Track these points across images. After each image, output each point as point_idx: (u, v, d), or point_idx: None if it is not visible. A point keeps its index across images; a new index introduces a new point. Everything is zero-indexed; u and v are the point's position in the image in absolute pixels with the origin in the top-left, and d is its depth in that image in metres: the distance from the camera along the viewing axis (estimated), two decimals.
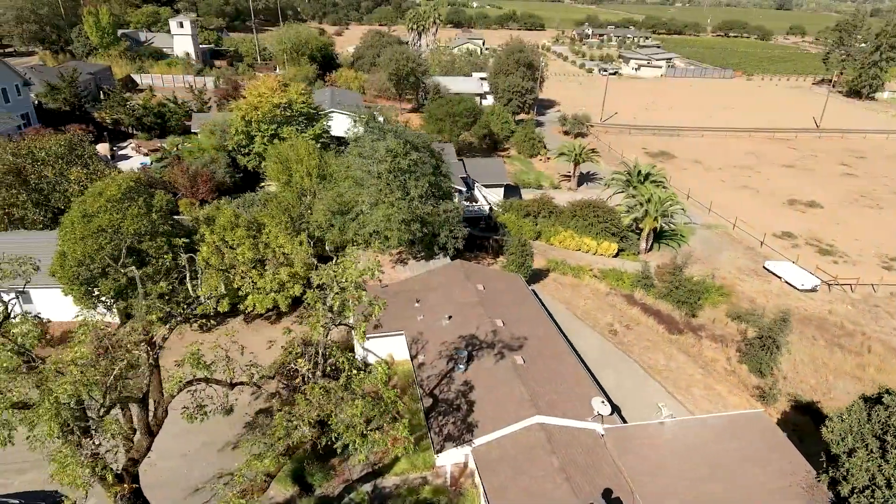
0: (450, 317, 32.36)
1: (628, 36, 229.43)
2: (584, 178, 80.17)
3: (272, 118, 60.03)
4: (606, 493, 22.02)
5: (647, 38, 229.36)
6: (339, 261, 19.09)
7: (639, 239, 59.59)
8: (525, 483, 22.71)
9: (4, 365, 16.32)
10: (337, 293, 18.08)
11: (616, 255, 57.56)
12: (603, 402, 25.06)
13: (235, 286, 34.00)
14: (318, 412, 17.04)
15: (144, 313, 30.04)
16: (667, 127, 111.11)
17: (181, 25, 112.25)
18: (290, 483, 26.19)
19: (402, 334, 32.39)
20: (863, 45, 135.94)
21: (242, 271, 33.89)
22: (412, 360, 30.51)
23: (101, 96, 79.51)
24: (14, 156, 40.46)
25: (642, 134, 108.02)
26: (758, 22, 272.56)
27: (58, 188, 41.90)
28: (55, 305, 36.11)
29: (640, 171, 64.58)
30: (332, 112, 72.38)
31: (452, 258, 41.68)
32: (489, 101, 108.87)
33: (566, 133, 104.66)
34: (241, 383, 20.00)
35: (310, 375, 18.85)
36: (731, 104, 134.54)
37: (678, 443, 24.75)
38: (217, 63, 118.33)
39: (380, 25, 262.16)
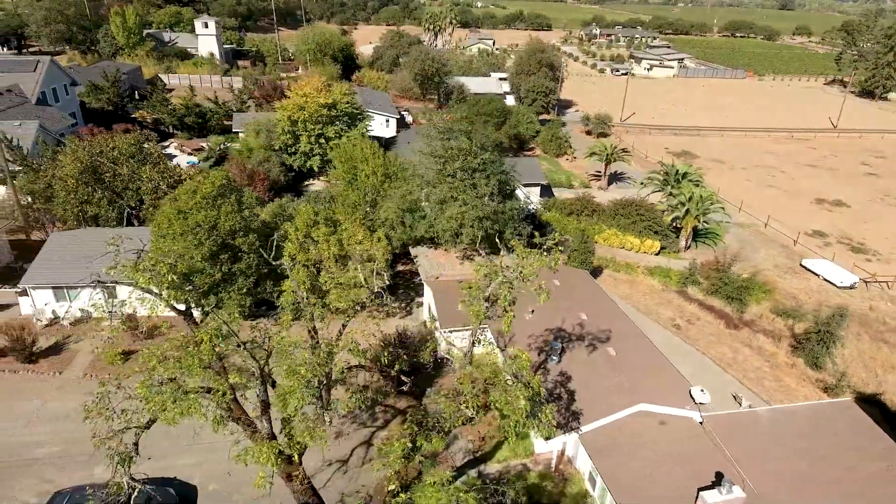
0: (532, 310, 33.51)
1: (636, 36, 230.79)
2: (613, 178, 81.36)
3: (318, 118, 61.16)
4: (718, 476, 23.20)
5: (654, 38, 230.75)
6: (517, 252, 20.17)
7: (678, 237, 60.78)
8: (638, 467, 23.89)
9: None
10: (503, 281, 19.16)
11: (657, 253, 58.78)
12: (702, 390, 26.26)
13: (322, 280, 35.17)
14: (481, 399, 18.22)
15: (238, 307, 31.32)
16: (686, 127, 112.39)
17: (206, 26, 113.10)
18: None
19: (485, 327, 33.47)
20: (876, 45, 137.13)
21: (328, 267, 35.04)
22: (501, 353, 31.63)
23: (136, 96, 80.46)
24: (90, 154, 41.45)
25: (662, 134, 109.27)
26: (763, 22, 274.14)
27: (130, 186, 42.90)
28: (140, 300, 37.08)
29: (677, 171, 65.83)
30: (370, 112, 73.33)
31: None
32: (509, 101, 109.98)
33: (588, 133, 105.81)
34: (389, 368, 21.07)
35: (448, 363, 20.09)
36: (745, 104, 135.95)
37: (774, 430, 25.95)
38: (240, 63, 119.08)
39: (387, 25, 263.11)
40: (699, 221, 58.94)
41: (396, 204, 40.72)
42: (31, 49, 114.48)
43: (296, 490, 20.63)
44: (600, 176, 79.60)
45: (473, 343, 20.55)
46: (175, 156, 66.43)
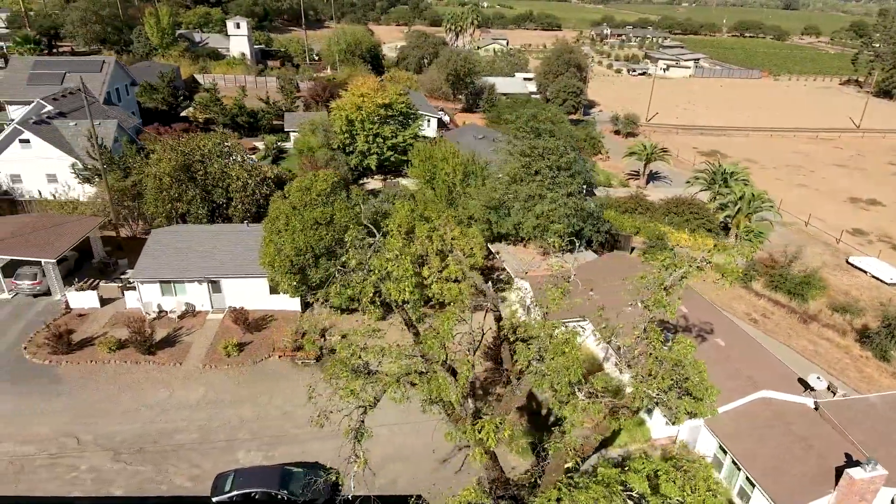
0: (632, 303, 34.84)
1: (647, 36, 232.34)
2: (651, 177, 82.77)
3: (376, 118, 62.46)
4: (848, 458, 24.62)
5: (665, 38, 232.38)
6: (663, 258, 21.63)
7: (727, 235, 62.28)
8: (768, 449, 25.31)
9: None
10: (687, 271, 20.57)
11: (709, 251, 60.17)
12: (819, 377, 27.69)
13: (426, 275, 36.52)
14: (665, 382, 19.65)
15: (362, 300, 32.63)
16: (712, 127, 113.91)
17: (238, 26, 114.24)
18: (530, 453, 28.71)
19: (584, 319, 34.83)
20: (893, 46, 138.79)
21: (431, 262, 36.36)
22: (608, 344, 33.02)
23: (180, 96, 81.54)
24: (183, 153, 42.70)
25: (689, 134, 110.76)
26: (770, 22, 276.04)
27: (220, 184, 44.14)
28: (242, 294, 38.47)
29: (724, 171, 67.31)
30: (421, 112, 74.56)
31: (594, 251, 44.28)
32: None
33: (617, 133, 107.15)
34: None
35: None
36: (764, 104, 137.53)
37: (890, 415, 27.38)
38: (269, 63, 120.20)
39: (397, 25, 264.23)
40: (749, 220, 60.42)
41: (482, 202, 42.09)
42: (61, 49, 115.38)
43: (486, 467, 22.14)
44: (638, 175, 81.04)
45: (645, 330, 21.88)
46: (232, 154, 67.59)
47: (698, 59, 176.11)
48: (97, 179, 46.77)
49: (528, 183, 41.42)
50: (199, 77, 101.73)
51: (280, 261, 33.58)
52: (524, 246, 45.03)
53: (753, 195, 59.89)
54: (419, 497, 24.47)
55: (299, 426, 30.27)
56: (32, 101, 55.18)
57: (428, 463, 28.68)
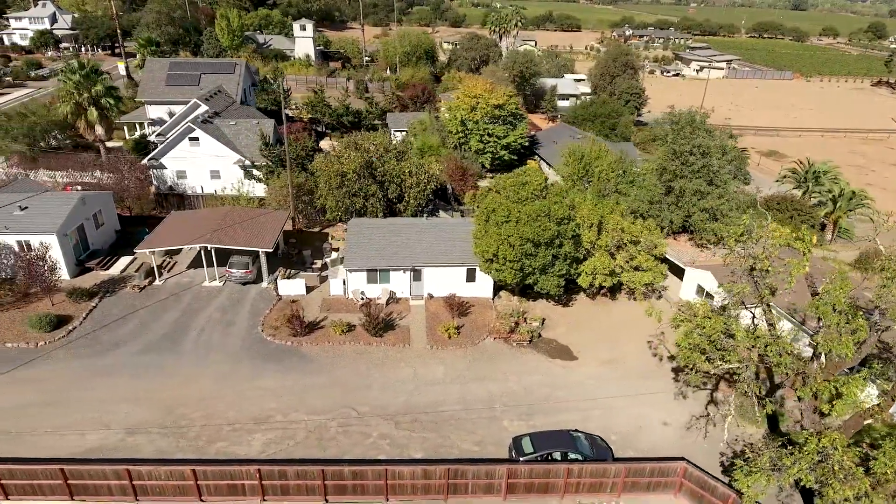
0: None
1: (670, 37, 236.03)
2: None
3: (490, 118, 65.50)
4: None
5: (688, 39, 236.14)
6: None
7: (823, 231, 65.63)
8: None
9: None
10: None
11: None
12: None
13: (618, 262, 39.77)
14: None
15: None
16: (765, 127, 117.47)
17: (303, 28, 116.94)
18: (765, 422, 31.87)
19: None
20: None
21: (625, 249, 39.61)
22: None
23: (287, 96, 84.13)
24: (367, 151, 45.64)
25: (744, 134, 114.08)
26: (789, 23, 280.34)
27: (394, 180, 47.09)
28: (440, 282, 41.44)
29: (816, 170, 70.67)
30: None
31: None
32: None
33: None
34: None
35: None
36: (804, 105, 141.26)
37: None
38: (331, 64, 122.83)
39: (419, 26, 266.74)
40: (847, 217, 63.82)
41: (646, 197, 45.30)
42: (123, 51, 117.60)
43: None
44: None
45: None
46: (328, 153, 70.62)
47: (731, 61, 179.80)
48: (271, 177, 49.57)
49: (690, 179, 44.68)
50: (270, 77, 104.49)
51: (504, 250, 36.55)
52: (674, 238, 48.22)
53: (854, 193, 63.24)
54: (680, 458, 27.71)
55: (543, 399, 33.37)
56: (174, 102, 57.84)
57: (671, 431, 31.78)
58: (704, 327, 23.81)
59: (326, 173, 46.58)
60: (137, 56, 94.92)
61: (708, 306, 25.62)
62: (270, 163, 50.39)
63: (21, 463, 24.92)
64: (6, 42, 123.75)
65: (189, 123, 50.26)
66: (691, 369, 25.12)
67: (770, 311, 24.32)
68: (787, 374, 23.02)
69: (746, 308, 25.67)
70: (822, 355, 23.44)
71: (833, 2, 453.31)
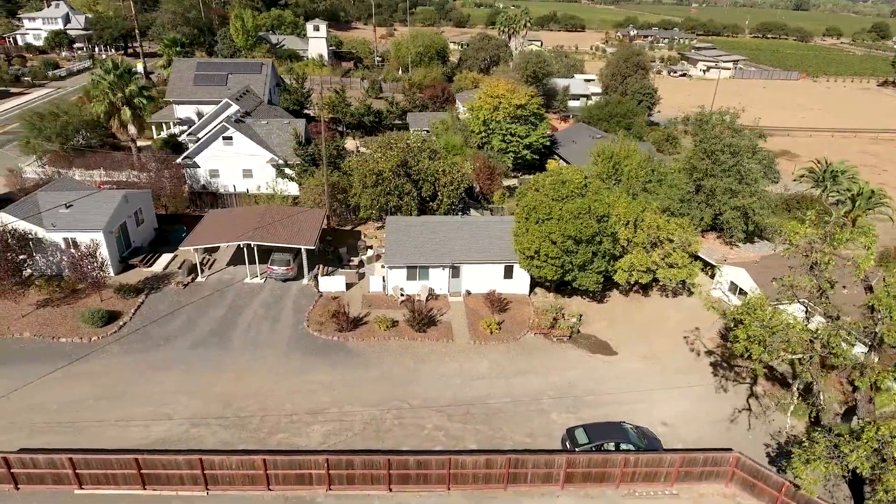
0: (844, 287, 38.88)
1: (675, 38, 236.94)
2: None
3: (513, 118, 66.23)
4: None
5: (693, 39, 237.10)
6: None
7: (842, 230, 66.40)
8: None
9: None
10: None
11: None
12: None
13: (652, 259, 40.49)
14: None
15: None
16: (775, 127, 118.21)
17: (317, 28, 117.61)
18: (806, 415, 32.67)
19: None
20: None
21: (660, 246, 40.35)
22: None
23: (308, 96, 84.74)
24: (402, 150, 46.35)
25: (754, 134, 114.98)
26: (791, 24, 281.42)
27: (428, 178, 47.81)
28: (478, 279, 42.16)
29: (833, 169, 71.48)
30: None
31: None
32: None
33: (685, 133, 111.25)
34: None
35: None
36: (812, 105, 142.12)
37: None
38: (343, 64, 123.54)
39: (423, 26, 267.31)
40: (865, 215, 64.60)
41: (677, 195, 46.08)
42: (135, 51, 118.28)
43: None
44: None
45: None
46: (364, 152, 71.28)
47: (737, 61, 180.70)
48: (305, 175, 50.27)
49: (721, 178, 45.50)
50: (285, 77, 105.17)
51: (546, 247, 37.28)
52: (703, 236, 48.99)
53: (873, 192, 64.05)
54: (729, 449, 28.51)
55: (588, 392, 34.12)
56: (202, 101, 58.41)
57: (715, 423, 32.54)
58: (764, 320, 24.57)
59: (361, 172, 47.29)
60: (163, 56, 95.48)
61: (766, 300, 26.39)
62: (304, 162, 51.08)
63: (96, 453, 25.63)
64: (20, 42, 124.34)
65: (223, 123, 50.91)
66: (754, 360, 25.89)
67: (830, 303, 25.08)
68: (846, 364, 23.77)
69: (799, 301, 26.46)
70: (878, 347, 24.21)
71: (835, 2, 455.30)
